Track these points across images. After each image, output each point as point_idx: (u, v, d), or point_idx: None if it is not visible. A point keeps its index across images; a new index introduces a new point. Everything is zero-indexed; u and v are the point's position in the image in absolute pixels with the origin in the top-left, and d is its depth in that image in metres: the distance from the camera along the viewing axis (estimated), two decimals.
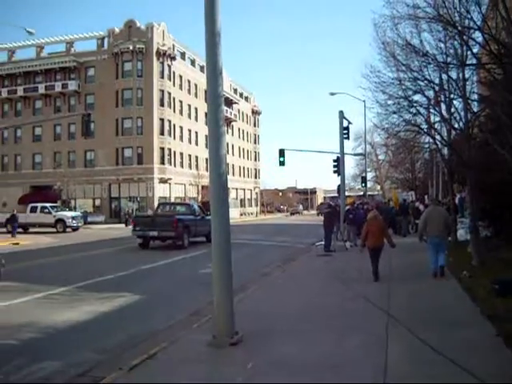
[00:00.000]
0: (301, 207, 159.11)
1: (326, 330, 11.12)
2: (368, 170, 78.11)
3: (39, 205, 56.83)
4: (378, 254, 18.36)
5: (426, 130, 28.93)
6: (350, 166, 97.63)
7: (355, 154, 77.06)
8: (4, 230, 51.52)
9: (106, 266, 24.02)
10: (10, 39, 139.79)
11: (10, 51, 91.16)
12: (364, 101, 50.13)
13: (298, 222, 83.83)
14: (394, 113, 26.91)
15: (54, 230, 53.61)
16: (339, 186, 41.50)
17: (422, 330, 10.58)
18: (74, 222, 55.52)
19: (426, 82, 24.15)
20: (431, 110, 27.94)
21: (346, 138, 40.44)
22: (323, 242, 29.84)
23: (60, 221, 54.74)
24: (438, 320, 11.72)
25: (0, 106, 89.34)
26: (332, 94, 55.75)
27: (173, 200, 78.73)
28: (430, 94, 25.96)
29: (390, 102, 26.52)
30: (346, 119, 40.35)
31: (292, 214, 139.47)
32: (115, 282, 19.37)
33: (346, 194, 44.15)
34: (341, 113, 39.21)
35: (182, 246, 32.64)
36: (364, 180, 60.45)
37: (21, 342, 10.95)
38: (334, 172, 42.57)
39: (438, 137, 28.14)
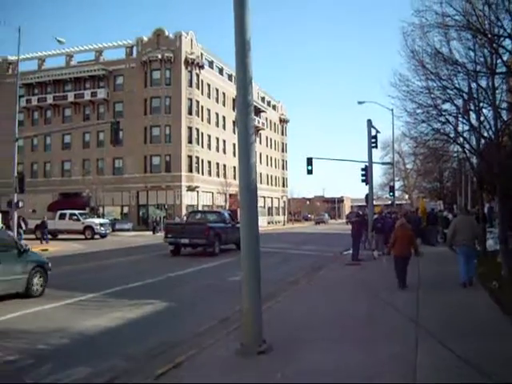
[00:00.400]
0: (326, 216, 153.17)
1: (355, 339, 11.04)
2: (396, 179, 77.85)
3: (68, 212, 57.22)
4: (405, 262, 18.24)
5: (454, 139, 28.72)
6: (378, 174, 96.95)
7: (383, 163, 76.93)
8: (33, 236, 51.78)
9: (135, 272, 24.11)
10: (40, 48, 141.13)
11: (41, 60, 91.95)
12: (392, 110, 49.88)
13: (326, 230, 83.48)
14: (423, 122, 26.73)
15: (83, 236, 53.94)
16: (367, 194, 41.30)
17: (452, 340, 10.45)
18: (102, 228, 55.77)
19: (455, 90, 23.98)
20: (460, 119, 27.78)
21: (374, 147, 40.30)
22: (351, 251, 29.74)
23: (88, 228, 55.08)
24: (468, 331, 11.59)
25: (30, 113, 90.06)
26: (360, 102, 55.63)
27: (200, 208, 78.87)
28: (459, 102, 25.79)
29: (418, 111, 26.37)
30: (375, 128, 40.23)
31: (317, 223, 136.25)
32: (143, 288, 19.44)
33: (374, 203, 43.88)
34: (369, 121, 39.08)
35: (213, 254, 33.05)
36: (392, 189, 60.23)
37: (50, 347, 11.05)
38: (362, 181, 42.32)
39: (467, 146, 27.92)
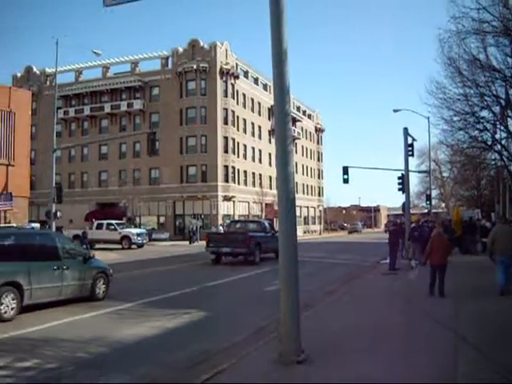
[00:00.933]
0: (360, 225, 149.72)
1: (393, 350, 10.95)
2: (432, 187, 77.27)
3: (105, 222, 57.65)
4: (441, 271, 18.22)
5: (492, 146, 28.47)
6: (414, 183, 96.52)
7: (419, 172, 76.37)
8: None
9: (172, 282, 24.20)
10: (77, 60, 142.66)
11: (78, 72, 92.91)
12: (428, 117, 49.70)
13: (362, 239, 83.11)
14: (460, 129, 26.62)
15: (120, 246, 54.24)
16: (404, 203, 41.08)
17: (493, 351, 10.34)
18: (139, 238, 56.03)
19: (492, 97, 23.84)
20: (498, 126, 27.55)
21: (410, 156, 40.06)
22: (388, 260, 29.56)
23: (125, 237, 55.39)
24: (509, 341, 11.46)
25: (67, 125, 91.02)
26: (395, 110, 55.28)
27: (236, 218, 78.98)
28: (497, 109, 25.63)
29: (455, 119, 26.29)
30: (411, 136, 40.01)
31: (351, 232, 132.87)
32: (181, 298, 19.52)
33: (411, 211, 43.61)
34: (405, 130, 38.87)
35: (253, 262, 33.47)
36: (429, 198, 59.75)
37: (89, 355, 11.16)
38: (399, 190, 42.08)
39: (505, 153, 27.69)
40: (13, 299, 15.09)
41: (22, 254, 16.27)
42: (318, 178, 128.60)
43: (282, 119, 10.29)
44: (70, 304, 17.26)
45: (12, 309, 15.02)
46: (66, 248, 18.58)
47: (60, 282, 17.22)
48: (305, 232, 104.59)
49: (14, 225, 37.42)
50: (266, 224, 38.69)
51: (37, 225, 43.52)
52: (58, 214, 42.90)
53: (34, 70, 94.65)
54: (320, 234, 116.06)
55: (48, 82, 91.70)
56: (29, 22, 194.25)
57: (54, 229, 42.21)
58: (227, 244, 34.31)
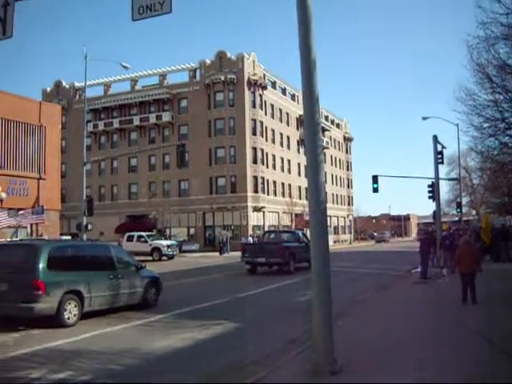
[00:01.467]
0: (387, 234, 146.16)
1: (427, 360, 10.80)
2: (462, 194, 76.77)
3: (136, 234, 57.88)
4: (471, 278, 18.20)
5: None
6: (444, 191, 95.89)
7: (449, 179, 75.86)
8: None
9: (204, 293, 24.23)
10: (106, 74, 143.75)
11: (106, 85, 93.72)
12: (457, 124, 49.39)
13: (393, 248, 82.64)
14: (491, 136, 26.38)
15: (150, 258, 54.34)
16: (435, 211, 40.85)
17: None
18: (169, 250, 56.13)
19: None
20: None
21: (440, 163, 39.83)
22: (419, 269, 29.35)
23: (156, 249, 55.50)
24: None
25: (97, 138, 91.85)
26: (424, 118, 55.08)
27: (266, 228, 79.09)
28: None
29: (485, 125, 26.05)
30: (440, 144, 39.80)
31: (377, 241, 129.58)
32: (213, 309, 19.53)
33: (441, 219, 43.29)
34: (435, 137, 38.69)
35: (288, 272, 33.83)
36: (459, 205, 59.36)
37: (122, 367, 11.20)
38: (429, 198, 41.84)
39: None
40: (75, 306, 16.37)
41: (81, 264, 17.77)
42: (348, 187, 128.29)
43: (311, 129, 10.26)
44: (102, 316, 17.32)
45: (74, 315, 16.29)
46: (120, 258, 19.92)
47: (116, 290, 18.43)
48: (335, 242, 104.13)
49: (46, 238, 37.75)
50: (300, 234, 38.96)
51: (68, 237, 43.78)
52: (89, 226, 43.22)
53: (64, 84, 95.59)
54: (350, 243, 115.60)
55: (77, 96, 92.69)
56: (58, 37, 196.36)
57: None
58: (262, 254, 34.97)
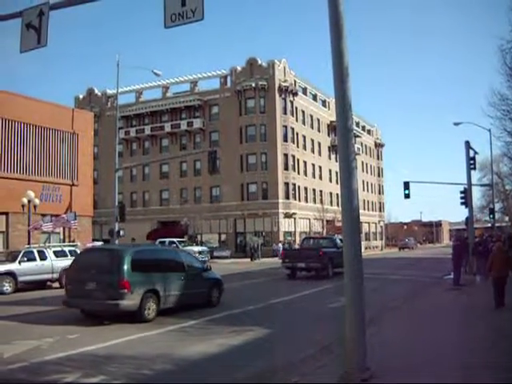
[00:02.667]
0: (412, 241, 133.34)
1: (461, 368, 10.75)
2: (495, 200, 76.00)
3: (167, 240, 58.17)
4: (502, 283, 18.90)
5: None
6: (476, 197, 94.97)
7: (482, 185, 75.20)
8: None
9: (236, 299, 24.22)
10: (137, 81, 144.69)
11: (138, 92, 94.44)
12: (490, 130, 48.95)
13: (424, 255, 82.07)
14: None
15: None
16: (467, 218, 40.57)
17: None
18: (200, 256, 56.22)
19: None
20: None
21: (472, 169, 39.55)
22: (452, 276, 29.14)
23: None
24: None
25: (129, 144, 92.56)
26: (456, 124, 54.63)
27: (298, 235, 79.23)
28: None
29: None
30: (473, 149, 39.53)
31: (401, 248, 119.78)
32: (245, 315, 19.59)
33: (474, 226, 42.97)
34: (467, 143, 38.45)
35: (327, 276, 34.85)
36: (492, 211, 58.83)
37: (154, 372, 11.27)
38: (462, 204, 41.52)
39: None
40: (153, 303, 18.49)
41: (157, 266, 19.87)
42: (379, 193, 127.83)
43: (344, 135, 10.25)
44: (131, 322, 17.45)
45: (152, 311, 18.41)
46: (189, 261, 22.10)
47: (185, 290, 20.38)
48: (366, 248, 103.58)
49: (78, 243, 38.07)
50: (337, 240, 39.09)
51: (100, 243, 44.09)
52: (121, 232, 43.47)
53: (96, 91, 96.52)
54: (381, 249, 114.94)
55: (109, 103, 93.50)
56: (91, 45, 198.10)
57: None
58: (302, 259, 36.36)
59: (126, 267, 18.00)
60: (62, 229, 41.09)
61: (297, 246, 65.65)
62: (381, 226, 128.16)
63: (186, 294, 20.42)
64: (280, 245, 72.58)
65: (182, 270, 20.85)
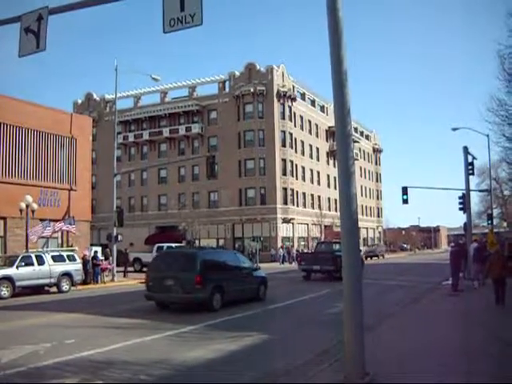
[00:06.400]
0: (381, 247, 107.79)
1: (460, 374, 10.74)
2: (493, 206, 76.06)
3: (165, 245, 57.89)
4: (502, 284, 20.50)
5: None
6: (474, 202, 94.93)
7: (480, 191, 75.27)
8: (131, 269, 52.61)
9: (235, 304, 24.29)
10: (136, 86, 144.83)
11: (136, 97, 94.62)
12: (488, 135, 49.00)
13: (423, 260, 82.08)
14: None
15: None
16: (465, 223, 40.59)
17: None
18: None
19: None
20: None
21: (470, 174, 39.61)
22: (450, 281, 29.13)
23: None
24: None
25: (127, 149, 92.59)
26: (454, 129, 54.61)
27: (296, 240, 79.41)
28: None
29: None
30: (471, 155, 39.57)
31: (368, 257, 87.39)
32: (244, 320, 19.72)
33: (472, 231, 42.95)
34: (465, 149, 38.50)
35: (341, 278, 34.97)
36: (490, 217, 58.87)
37: (152, 378, 11.22)
38: (460, 209, 41.51)
39: None
40: (219, 296, 22.16)
41: (221, 266, 23.90)
42: (377, 198, 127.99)
43: (343, 141, 10.26)
44: (128, 328, 17.45)
45: (218, 303, 22.05)
46: (243, 262, 26.67)
47: (241, 286, 24.49)
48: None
49: (76, 248, 38.06)
50: None
51: (98, 248, 44.05)
52: (119, 237, 43.45)
53: (94, 96, 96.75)
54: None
55: (108, 108, 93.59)
56: (89, 50, 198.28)
57: (115, 252, 42.79)
58: (317, 262, 39.51)
59: (199, 267, 21.86)
60: (59, 233, 41.00)
61: (306, 250, 68.18)
62: (379, 232, 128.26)
63: (242, 290, 24.44)
64: (281, 250, 72.80)
65: (239, 269, 25.21)
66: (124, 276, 45.71)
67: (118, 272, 42.75)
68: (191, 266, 22.00)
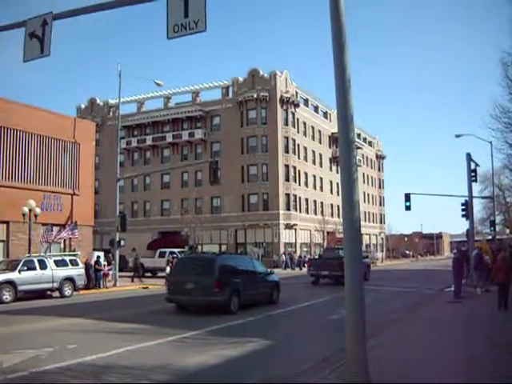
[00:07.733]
0: (377, 253, 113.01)
1: (465, 379, 10.72)
2: (496, 212, 75.94)
3: (168, 250, 57.93)
4: (506, 287, 21.01)
5: None
6: (477, 209, 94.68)
7: (483, 197, 75.22)
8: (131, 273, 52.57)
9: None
10: (139, 91, 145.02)
11: (140, 102, 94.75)
12: (491, 142, 48.99)
13: (426, 267, 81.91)
14: None
15: None
16: (468, 230, 40.54)
17: None
18: None
19: None
20: None
21: (473, 181, 39.58)
22: (452, 288, 29.08)
23: None
24: None
25: (130, 154, 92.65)
26: (457, 136, 54.59)
27: (298, 246, 79.40)
28: None
29: None
30: (474, 161, 39.53)
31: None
32: (246, 326, 19.70)
33: (475, 238, 42.88)
34: (468, 155, 38.46)
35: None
36: (492, 224, 58.77)
37: (153, 382, 11.21)
38: (463, 216, 41.51)
39: None
40: (236, 300, 23.35)
41: (238, 270, 25.07)
42: (380, 205, 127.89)
43: (346, 147, 10.23)
44: (130, 333, 17.46)
45: (235, 306, 23.24)
46: (258, 266, 27.88)
47: (257, 289, 25.85)
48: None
49: (79, 253, 38.05)
50: None
51: (101, 253, 44.03)
52: (122, 242, 43.46)
53: (98, 101, 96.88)
54: (382, 261, 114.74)
55: (111, 113, 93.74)
56: (93, 55, 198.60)
57: (117, 257, 42.76)
58: (325, 268, 41.15)
59: (218, 272, 23.09)
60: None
61: (313, 256, 69.22)
62: (382, 238, 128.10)
63: (257, 293, 25.78)
64: (283, 256, 72.76)
65: (254, 274, 26.51)
66: (133, 281, 45.71)
67: (120, 277, 42.67)
68: (210, 270, 23.20)
